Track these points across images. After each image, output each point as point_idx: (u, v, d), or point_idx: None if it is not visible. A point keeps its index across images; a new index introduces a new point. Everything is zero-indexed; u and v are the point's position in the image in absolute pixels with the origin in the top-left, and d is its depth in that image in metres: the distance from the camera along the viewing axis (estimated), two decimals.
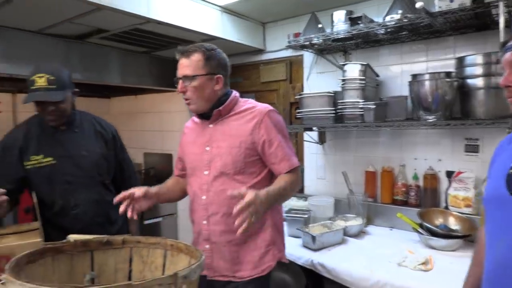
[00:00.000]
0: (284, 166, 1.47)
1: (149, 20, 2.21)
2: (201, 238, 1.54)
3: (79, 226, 1.71)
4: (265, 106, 1.54)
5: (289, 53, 2.87)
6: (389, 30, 2.11)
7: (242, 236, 1.46)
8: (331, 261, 1.81)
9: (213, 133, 1.53)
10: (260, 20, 2.95)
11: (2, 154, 1.74)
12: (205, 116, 1.55)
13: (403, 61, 2.35)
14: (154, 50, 3.14)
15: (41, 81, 1.61)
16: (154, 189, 1.57)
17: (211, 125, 1.55)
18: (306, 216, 2.24)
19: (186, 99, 1.50)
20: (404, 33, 2.18)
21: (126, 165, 2.00)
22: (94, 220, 1.79)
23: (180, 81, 1.48)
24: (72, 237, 1.13)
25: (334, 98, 2.31)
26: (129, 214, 1.47)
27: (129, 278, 1.15)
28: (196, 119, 1.64)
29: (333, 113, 2.29)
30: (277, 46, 2.95)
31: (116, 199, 1.48)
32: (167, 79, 3.48)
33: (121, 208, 1.46)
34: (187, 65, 1.47)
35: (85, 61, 2.81)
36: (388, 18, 2.01)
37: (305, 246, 2.01)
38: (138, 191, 1.50)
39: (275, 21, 2.95)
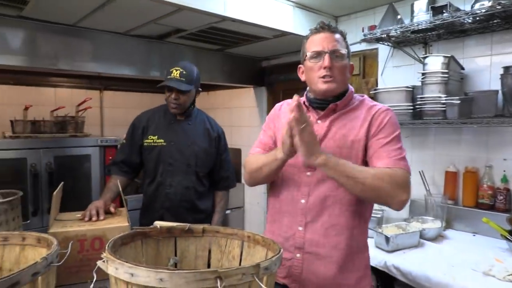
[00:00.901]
0: (385, 162, 1.22)
1: (224, 18, 2.28)
2: (290, 244, 1.34)
3: (168, 204, 2.00)
4: (385, 106, 1.38)
5: (362, 46, 2.77)
6: (478, 18, 1.94)
7: (343, 253, 1.30)
8: (407, 264, 1.73)
9: (321, 129, 1.33)
10: (333, 14, 2.89)
11: (132, 132, 2.10)
12: (323, 104, 1.35)
13: (493, 52, 2.14)
14: (226, 47, 3.23)
15: (175, 73, 1.95)
16: None
17: (319, 121, 1.35)
18: (379, 215, 2.16)
19: (328, 76, 1.30)
20: (495, 21, 1.98)
21: (226, 166, 2.18)
22: (181, 203, 2.00)
23: (328, 55, 1.29)
24: (158, 223, 1.21)
25: (412, 93, 2.19)
26: None
27: (208, 266, 1.20)
28: (303, 105, 1.33)
29: (411, 109, 2.17)
30: (350, 40, 2.78)
31: None
32: (238, 75, 3.57)
33: None
34: (337, 40, 1.32)
35: (164, 59, 2.99)
36: (477, 6, 1.86)
37: (378, 247, 1.94)
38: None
39: (348, 14, 2.86)
